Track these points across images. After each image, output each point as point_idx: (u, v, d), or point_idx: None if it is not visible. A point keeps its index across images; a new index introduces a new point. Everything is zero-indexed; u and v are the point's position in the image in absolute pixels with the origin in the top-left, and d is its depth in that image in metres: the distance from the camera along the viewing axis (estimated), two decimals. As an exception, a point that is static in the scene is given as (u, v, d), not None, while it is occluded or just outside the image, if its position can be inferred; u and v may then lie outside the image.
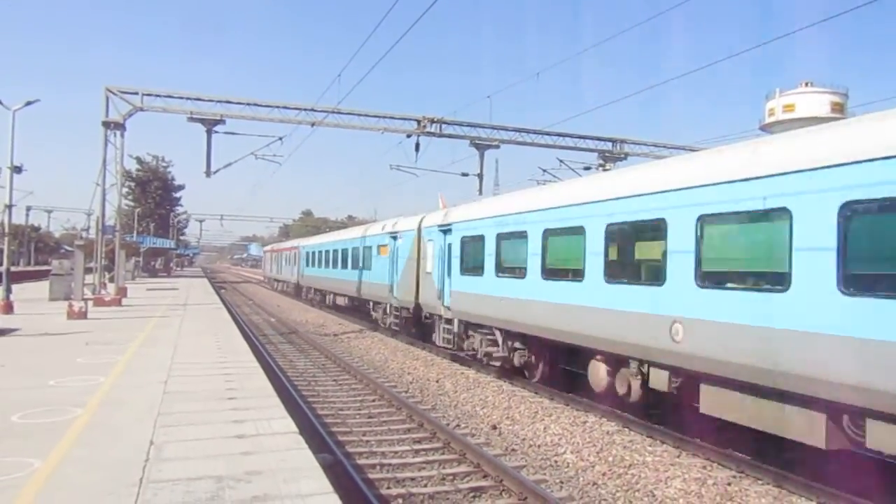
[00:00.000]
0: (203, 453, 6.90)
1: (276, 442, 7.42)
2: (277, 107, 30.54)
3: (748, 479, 9.12)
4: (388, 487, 8.94)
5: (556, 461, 10.19)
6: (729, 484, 8.85)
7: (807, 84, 71.17)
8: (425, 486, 9.05)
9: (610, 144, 34.79)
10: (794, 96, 70.71)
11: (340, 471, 9.07)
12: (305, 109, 30.51)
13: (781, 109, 70.46)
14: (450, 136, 32.65)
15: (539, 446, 10.94)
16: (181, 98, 29.68)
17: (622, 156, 34.24)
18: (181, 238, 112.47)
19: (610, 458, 10.05)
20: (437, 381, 16.46)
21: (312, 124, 30.47)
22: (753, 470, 9.30)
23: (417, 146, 31.54)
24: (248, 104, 30.14)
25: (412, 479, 9.28)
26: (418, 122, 31.57)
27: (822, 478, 8.51)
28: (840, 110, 63.96)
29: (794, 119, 62.15)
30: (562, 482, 9.25)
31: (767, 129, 63.02)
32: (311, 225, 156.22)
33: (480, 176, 34.19)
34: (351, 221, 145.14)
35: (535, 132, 33.91)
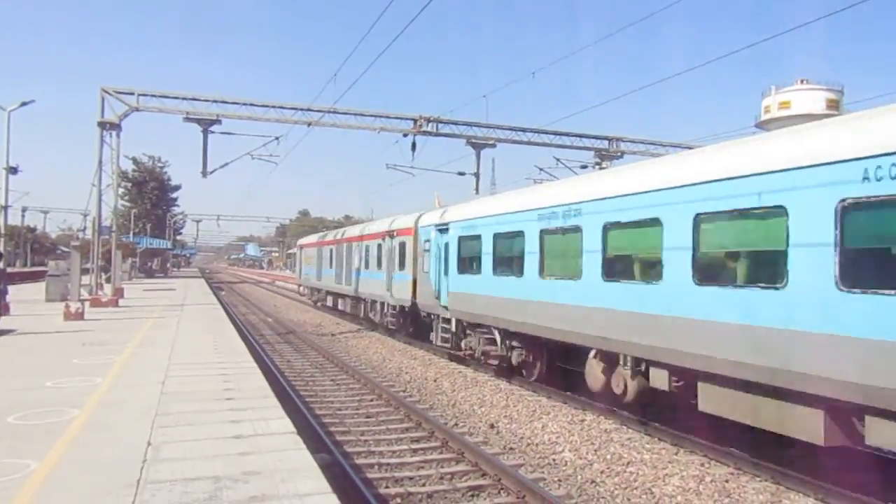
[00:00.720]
0: (200, 454, 6.88)
1: (273, 442, 7.41)
2: (274, 107, 30.55)
3: (746, 475, 9.13)
4: (387, 487, 8.94)
5: (554, 459, 10.19)
6: (727, 481, 8.87)
7: (802, 81, 71.27)
8: (423, 485, 9.04)
9: (606, 143, 34.82)
10: (789, 93, 70.80)
11: (338, 471, 9.07)
12: (302, 109, 30.51)
13: (777, 106, 70.56)
14: (446, 136, 32.67)
15: (537, 445, 10.94)
16: (177, 98, 29.67)
17: (618, 154, 34.28)
18: (178, 238, 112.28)
19: (608, 456, 10.05)
20: (434, 381, 16.46)
21: (309, 124, 30.47)
22: (751, 467, 9.32)
23: (414, 145, 31.58)
24: (245, 104, 30.13)
25: (410, 478, 9.28)
26: (415, 121, 31.58)
27: (819, 474, 8.53)
28: (835, 107, 64.02)
29: (790, 116, 62.26)
30: (560, 480, 9.26)
31: (763, 126, 63.08)
32: (307, 225, 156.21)
33: (477, 175, 34.25)
34: (348, 221, 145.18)
35: (531, 131, 33.93)
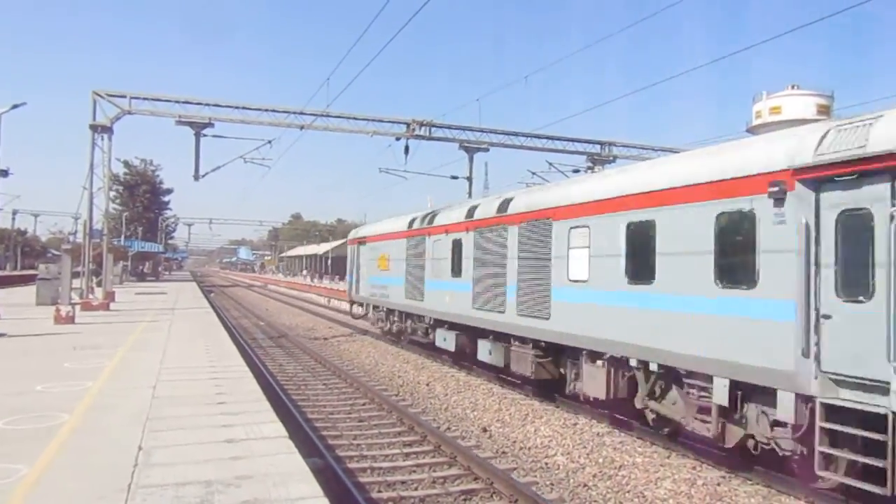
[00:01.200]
0: (192, 458, 6.86)
1: (266, 446, 7.39)
2: (266, 110, 30.48)
3: (738, 479, 9.17)
4: (379, 491, 8.93)
5: (546, 463, 10.20)
6: (718, 484, 8.91)
7: (793, 87, 71.68)
8: (416, 489, 9.04)
9: (598, 147, 34.93)
10: (780, 99, 71.20)
11: (331, 475, 9.05)
12: (294, 113, 30.45)
13: (768, 112, 70.92)
14: (439, 139, 32.66)
15: (530, 448, 10.95)
16: (169, 101, 29.55)
17: (611, 158, 34.38)
18: (170, 242, 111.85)
19: (600, 460, 10.08)
20: (427, 385, 16.45)
21: (301, 127, 30.40)
22: (743, 470, 9.35)
23: (407, 149, 31.53)
24: (237, 107, 30.04)
25: (403, 482, 9.28)
26: (407, 125, 31.58)
27: (810, 478, 8.56)
28: (826, 112, 64.35)
29: (780, 121, 62.52)
30: (552, 484, 9.27)
31: (754, 130, 63.40)
32: (300, 228, 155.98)
33: (470, 179, 34.22)
34: (341, 225, 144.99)
35: (523, 135, 33.99)
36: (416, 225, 21.06)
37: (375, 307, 25.37)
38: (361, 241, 27.29)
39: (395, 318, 23.13)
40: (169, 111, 29.37)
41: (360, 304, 27.74)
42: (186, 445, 7.35)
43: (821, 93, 70.91)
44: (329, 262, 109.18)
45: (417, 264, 20.56)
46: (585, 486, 9.18)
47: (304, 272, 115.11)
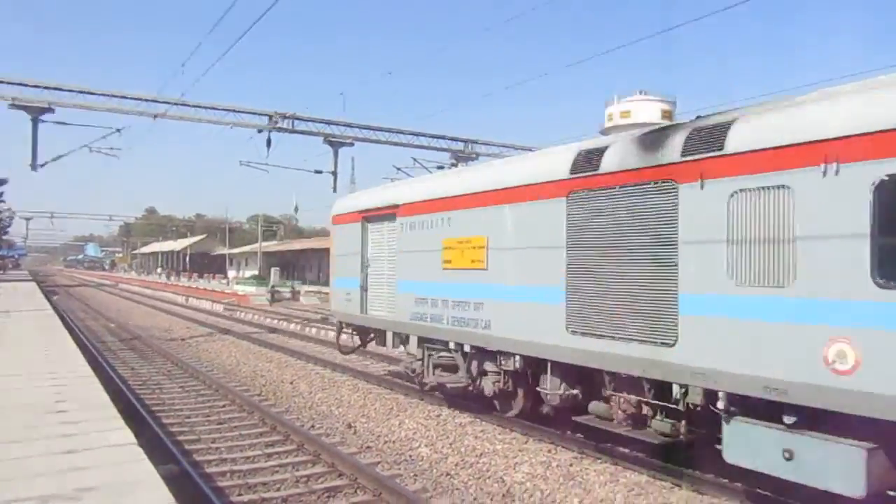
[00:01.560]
0: (26, 472, 6.31)
1: (111, 455, 6.93)
2: (113, 96, 28.43)
3: (588, 458, 9.76)
4: (240, 494, 8.67)
5: (410, 455, 10.34)
6: (571, 465, 9.43)
7: (642, 92, 76.84)
8: (279, 489, 8.86)
9: (462, 144, 35.70)
10: (629, 103, 76.04)
11: (187, 481, 8.66)
12: (146, 100, 28.64)
13: (619, 115, 75.58)
14: (302, 133, 32.02)
15: (394, 442, 11.05)
16: (2, 82, 26.81)
17: (473, 155, 35.26)
18: (4, 238, 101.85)
19: (462, 449, 10.35)
20: (291, 383, 16.14)
21: (154, 116, 28.67)
22: (593, 451, 9.98)
23: (269, 142, 30.70)
24: (80, 92, 27.79)
25: (264, 483, 9.06)
26: (270, 117, 30.68)
27: (652, 454, 9.28)
28: (669, 117, 69.44)
29: (629, 124, 66.77)
30: (416, 475, 9.41)
31: (607, 132, 67.32)
32: (155, 223, 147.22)
33: (335, 174, 33.82)
34: (200, 220, 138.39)
35: (389, 130, 34.08)
36: (609, 163, 8.80)
37: (427, 341, 12.84)
38: (375, 215, 14.48)
39: (509, 370, 10.95)
40: (0, 93, 26.67)
41: (372, 332, 15.53)
42: (20, 459, 6.75)
43: (664, 98, 76.54)
44: (188, 259, 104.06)
45: (647, 255, 8.23)
46: (448, 474, 9.39)
47: (160, 270, 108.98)
